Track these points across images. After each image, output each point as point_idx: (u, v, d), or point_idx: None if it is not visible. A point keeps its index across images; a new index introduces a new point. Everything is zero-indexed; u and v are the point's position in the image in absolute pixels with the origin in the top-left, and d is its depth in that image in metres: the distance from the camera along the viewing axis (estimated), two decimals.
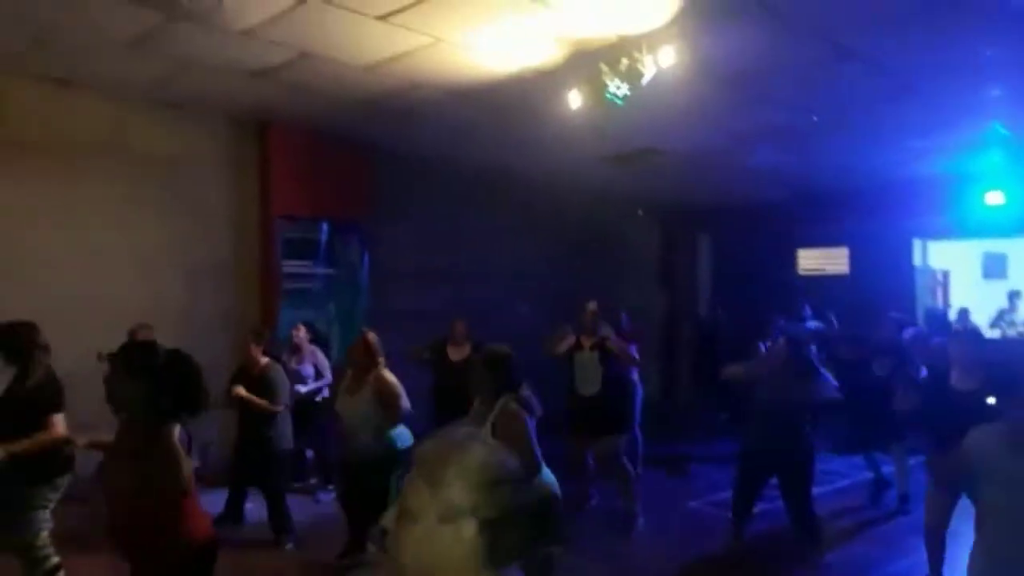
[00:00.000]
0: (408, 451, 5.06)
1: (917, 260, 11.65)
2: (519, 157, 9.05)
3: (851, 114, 7.19)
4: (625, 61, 5.36)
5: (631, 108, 6.58)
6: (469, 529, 1.36)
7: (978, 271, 12.93)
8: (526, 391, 3.94)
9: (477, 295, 9.64)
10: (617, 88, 5.41)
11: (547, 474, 3.85)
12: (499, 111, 7.07)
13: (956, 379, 4.73)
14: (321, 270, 8.31)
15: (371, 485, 4.98)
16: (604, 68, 5.47)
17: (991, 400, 4.33)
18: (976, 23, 5.07)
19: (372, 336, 5.39)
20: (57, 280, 6.79)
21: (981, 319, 11.50)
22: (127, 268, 7.21)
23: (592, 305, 6.67)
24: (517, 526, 1.40)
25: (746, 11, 4.93)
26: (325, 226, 8.33)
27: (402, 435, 5.24)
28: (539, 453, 3.80)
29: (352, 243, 8.54)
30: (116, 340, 6.31)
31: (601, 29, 5.29)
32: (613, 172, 9.81)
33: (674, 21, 5.06)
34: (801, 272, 12.64)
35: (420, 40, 5.56)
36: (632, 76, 5.35)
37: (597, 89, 5.56)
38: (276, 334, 7.52)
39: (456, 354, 7.01)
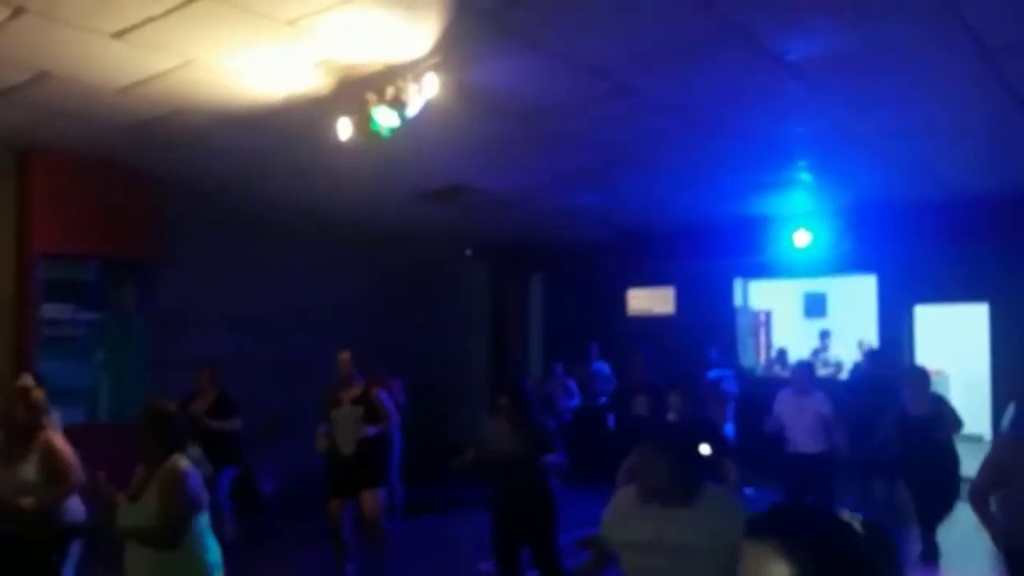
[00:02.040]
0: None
1: (739, 300, 12.08)
2: (324, 192, 8.79)
3: (645, 152, 7.35)
4: (391, 90, 5.23)
5: (426, 143, 6.60)
6: None
7: (800, 310, 13.60)
8: (194, 451, 3.81)
9: (282, 343, 9.28)
10: (384, 119, 5.26)
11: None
12: (279, 140, 6.82)
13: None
14: (88, 315, 7.69)
15: None
16: (371, 97, 5.33)
17: None
18: (757, 60, 5.18)
19: (38, 393, 4.85)
20: None
21: (800, 357, 12.05)
22: None
23: (345, 353, 6.37)
24: None
25: (508, 41, 4.92)
26: (95, 265, 7.73)
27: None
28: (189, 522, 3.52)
29: (128, 285, 7.97)
30: None
31: (364, 56, 5.16)
32: (433, 210, 9.69)
33: (436, 50, 4.98)
34: (630, 313, 12.88)
35: (168, 61, 5.27)
36: (399, 106, 5.22)
37: (365, 119, 5.39)
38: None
39: (201, 404, 6.99)
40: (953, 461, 6.91)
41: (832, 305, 13.38)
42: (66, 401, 7.30)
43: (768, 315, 13.07)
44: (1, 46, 5.04)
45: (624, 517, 3.12)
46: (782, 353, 12.12)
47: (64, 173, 7.52)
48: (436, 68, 5.09)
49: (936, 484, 6.89)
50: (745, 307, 12.20)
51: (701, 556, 2.81)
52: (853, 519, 1.33)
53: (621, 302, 12.95)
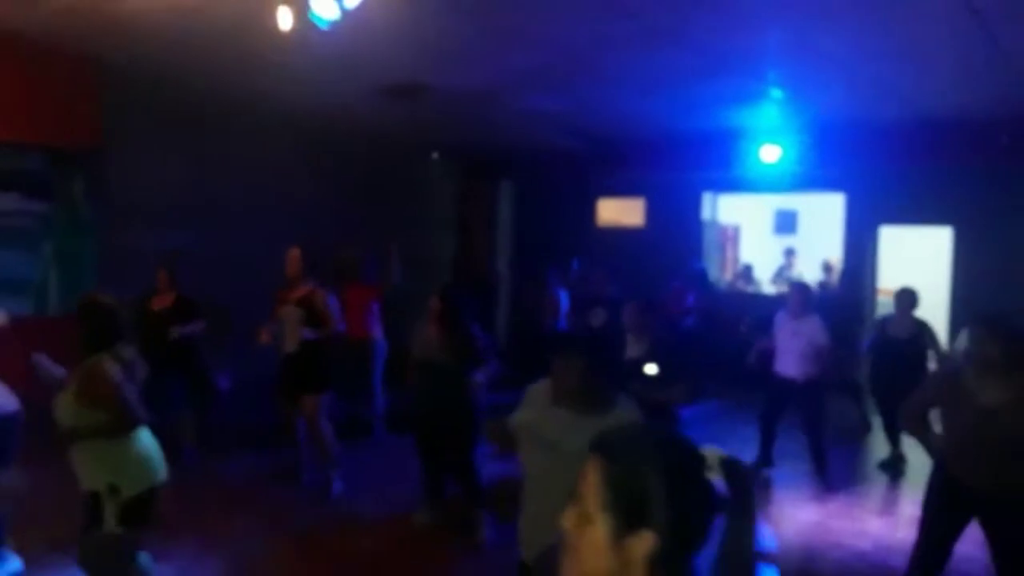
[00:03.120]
0: None
1: (708, 214, 12.00)
2: (280, 85, 8.53)
3: (600, 57, 7.14)
4: None
5: (379, 37, 6.40)
6: None
7: (770, 226, 13.55)
8: (127, 350, 3.67)
9: (237, 236, 9.14)
10: (322, 9, 5.05)
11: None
12: (222, 27, 6.54)
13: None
14: (34, 206, 7.54)
15: None
16: None
17: None
18: None
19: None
20: None
21: (766, 275, 12.09)
22: None
23: (295, 251, 6.28)
24: None
25: None
26: (40, 155, 7.54)
27: None
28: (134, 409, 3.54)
29: (75, 175, 7.80)
30: None
31: None
32: (397, 110, 9.47)
33: None
34: (600, 224, 12.80)
35: None
36: None
37: (303, 8, 5.17)
38: None
39: (159, 303, 6.79)
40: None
41: (803, 223, 13.32)
42: (13, 292, 7.27)
43: (736, 230, 13.01)
44: None
45: (533, 413, 3.15)
46: (748, 269, 12.13)
47: (1, 56, 7.23)
48: None
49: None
50: (713, 221, 12.13)
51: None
52: (712, 453, 1.38)
53: (591, 212, 12.85)
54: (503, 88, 8.50)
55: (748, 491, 1.37)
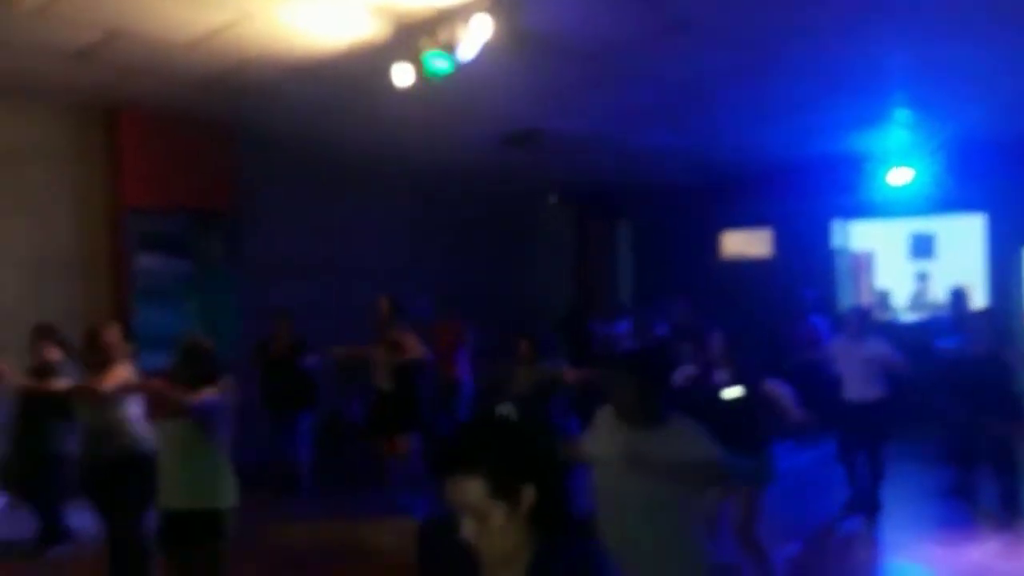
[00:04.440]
0: None
1: (840, 241, 11.51)
2: (398, 139, 8.78)
3: (711, 90, 7.02)
4: (444, 34, 5.11)
5: (492, 87, 6.50)
6: None
7: (906, 252, 12.83)
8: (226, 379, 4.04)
9: (363, 289, 9.37)
10: (438, 64, 5.15)
11: None
12: (345, 88, 6.81)
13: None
14: (179, 265, 7.98)
15: None
16: (425, 42, 5.21)
17: None
18: None
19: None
20: None
21: (904, 299, 11.46)
22: None
23: (384, 299, 6.81)
24: None
25: None
26: (183, 218, 7.99)
27: None
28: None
29: (214, 236, 8.21)
30: None
31: (417, 0, 5.04)
32: (511, 156, 9.58)
33: None
34: (724, 258, 12.47)
35: (225, 14, 5.30)
36: (452, 50, 5.09)
37: (420, 65, 5.30)
38: (133, 332, 7.25)
39: (277, 350, 7.50)
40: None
41: (941, 246, 12.54)
42: (161, 348, 7.65)
43: (870, 257, 12.38)
44: (69, 6, 5.17)
45: (599, 432, 3.29)
46: (884, 296, 11.51)
47: (148, 129, 7.75)
48: (488, 10, 4.93)
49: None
50: (845, 249, 11.61)
51: (652, 477, 2.95)
52: (509, 412, 1.80)
53: (714, 246, 12.54)
54: (619, 128, 8.47)
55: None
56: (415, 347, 6.61)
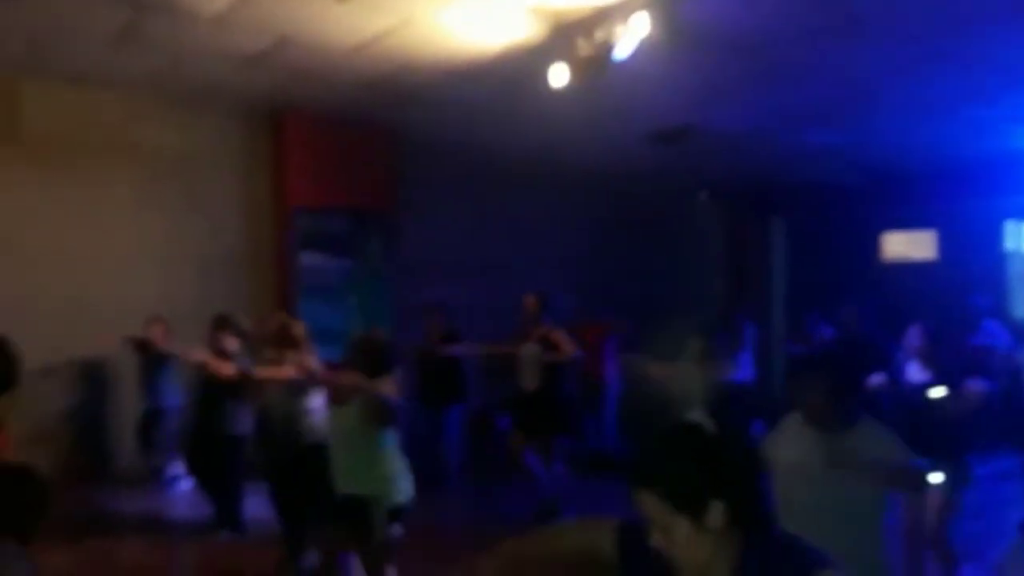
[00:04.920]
0: None
1: (1011, 244, 10.58)
2: (550, 139, 8.72)
3: (880, 85, 6.55)
4: (601, 33, 4.99)
5: (647, 84, 6.33)
6: None
7: None
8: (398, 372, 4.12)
9: (513, 287, 9.38)
10: (595, 62, 5.03)
11: None
12: (500, 90, 6.81)
13: None
14: (340, 263, 8.25)
15: None
16: (582, 42, 5.11)
17: None
18: None
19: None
20: (71, 278, 7.04)
21: None
22: (139, 264, 7.40)
23: (530, 297, 6.66)
24: None
25: None
26: (344, 217, 8.25)
27: None
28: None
29: (373, 234, 8.44)
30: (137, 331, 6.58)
31: (573, 0, 4.95)
32: (662, 153, 9.35)
33: None
34: (885, 260, 11.73)
35: (388, 19, 5.40)
36: (609, 49, 4.97)
37: (577, 63, 5.20)
38: None
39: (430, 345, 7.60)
40: None
41: None
42: (325, 341, 7.93)
43: None
44: (246, 15, 5.40)
45: (784, 437, 3.12)
46: None
47: (312, 131, 8.02)
48: (647, 7, 4.77)
49: None
50: (1018, 252, 10.66)
51: (847, 478, 2.77)
52: (702, 417, 1.71)
53: (874, 247, 11.81)
54: (777, 125, 8.07)
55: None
56: (565, 344, 6.50)
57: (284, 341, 5.02)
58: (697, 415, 1.55)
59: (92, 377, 7.34)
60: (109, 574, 5.26)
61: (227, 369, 5.66)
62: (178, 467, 7.00)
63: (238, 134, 7.96)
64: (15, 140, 6.90)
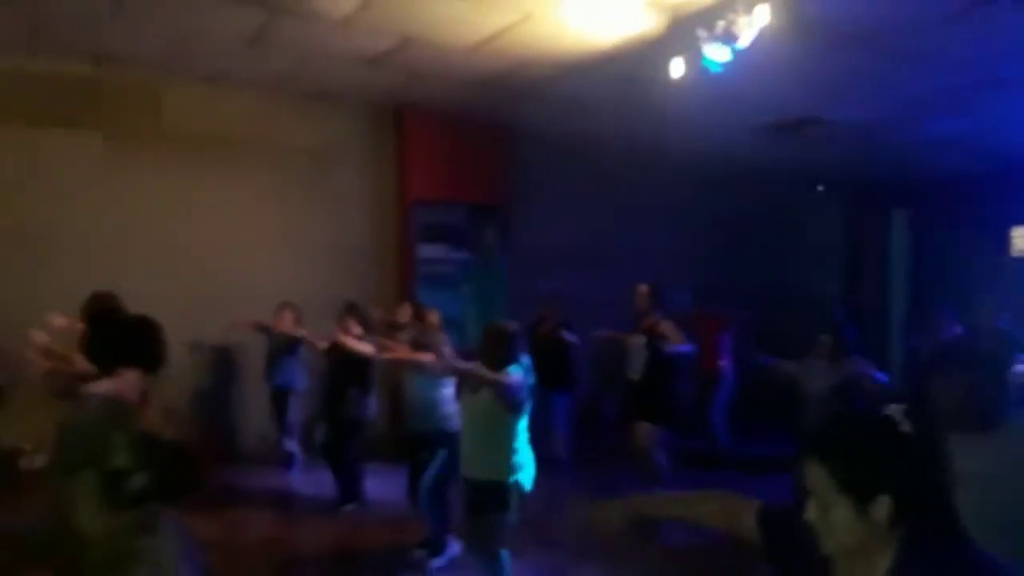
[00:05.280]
0: None
1: None
2: (663, 132, 8.61)
3: (1009, 71, 6.15)
4: (722, 24, 4.88)
5: (766, 75, 6.17)
6: None
7: None
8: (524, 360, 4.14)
9: (624, 278, 9.32)
10: (715, 54, 4.93)
11: None
12: (616, 84, 6.76)
13: None
14: (457, 254, 8.41)
15: None
16: (702, 33, 5.02)
17: None
18: None
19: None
20: (207, 267, 7.42)
21: None
22: (271, 254, 7.72)
23: (642, 287, 6.55)
24: None
25: None
26: (461, 210, 8.39)
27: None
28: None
29: (488, 226, 8.56)
30: (263, 318, 6.89)
31: None
32: (779, 145, 9.09)
33: None
34: (1016, 253, 11.02)
35: (509, 16, 5.45)
36: (730, 40, 4.86)
37: (695, 55, 5.11)
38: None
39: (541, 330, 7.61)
40: None
41: None
42: (443, 328, 8.11)
43: None
44: (372, 17, 5.55)
45: None
46: None
47: (431, 128, 8.19)
48: None
49: None
50: None
51: (995, 486, 2.42)
52: (895, 408, 1.52)
53: (1003, 241, 11.12)
54: (899, 114, 7.72)
55: (932, 426, 1.57)
56: (675, 336, 6.38)
57: (421, 328, 5.23)
58: (895, 410, 1.47)
59: (223, 360, 7.71)
60: (245, 544, 5.53)
61: (364, 347, 5.89)
62: (296, 447, 7.33)
63: (362, 130, 8.21)
64: (157, 137, 7.31)
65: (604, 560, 5.30)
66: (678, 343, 6.35)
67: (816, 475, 1.54)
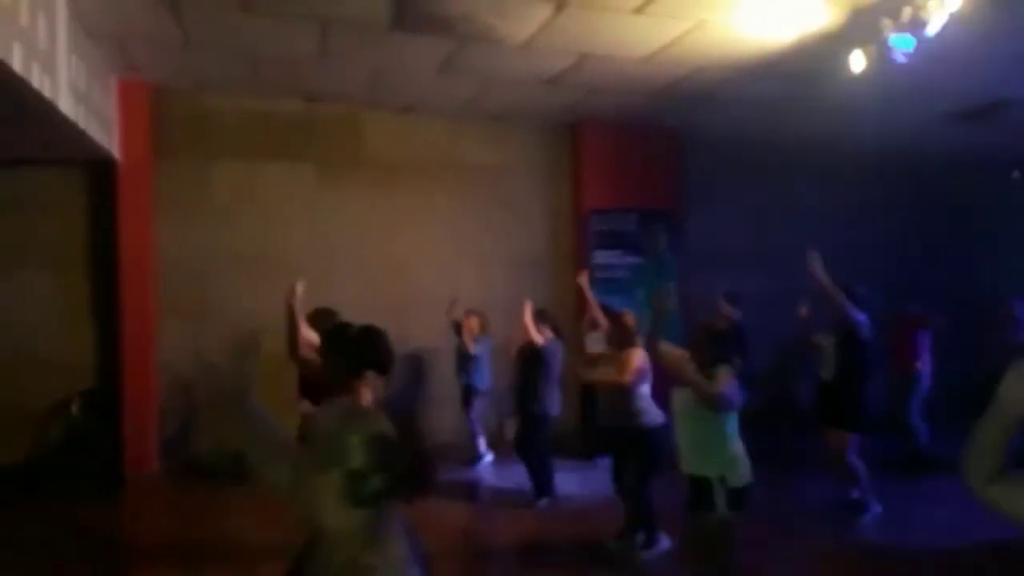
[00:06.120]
0: None
1: None
2: (838, 127, 8.26)
3: None
4: (908, 11, 4.67)
5: (951, 61, 5.83)
6: None
7: None
8: (736, 361, 4.09)
9: (801, 278, 9.00)
10: (901, 43, 4.73)
11: None
12: (793, 82, 6.57)
13: None
14: (630, 259, 8.45)
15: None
16: (886, 23, 4.82)
17: None
18: None
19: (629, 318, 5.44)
20: (401, 278, 7.92)
21: None
22: (459, 265, 8.13)
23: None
24: None
25: None
26: (634, 217, 8.44)
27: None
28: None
29: (660, 231, 8.54)
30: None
31: None
32: (968, 132, 8.49)
33: None
34: None
35: (682, 25, 5.44)
36: (919, 27, 4.64)
37: (879, 46, 4.91)
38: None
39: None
40: None
41: None
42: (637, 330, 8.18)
43: None
44: (552, 39, 5.73)
45: None
46: None
47: (605, 139, 8.33)
48: None
49: None
50: None
51: None
52: None
53: None
54: None
55: None
56: (856, 331, 5.94)
57: (617, 330, 5.37)
58: None
59: (418, 364, 8.12)
60: (440, 536, 5.77)
61: (539, 338, 6.16)
62: (484, 444, 7.61)
63: (540, 146, 8.49)
64: (359, 163, 7.89)
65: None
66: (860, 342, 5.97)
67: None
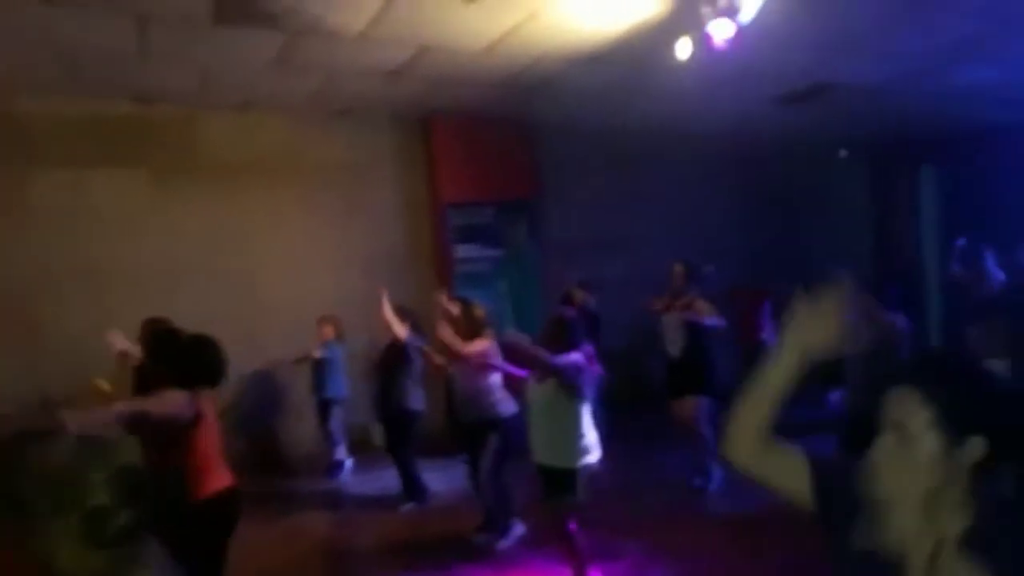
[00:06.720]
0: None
1: None
2: (678, 113, 8.44)
3: None
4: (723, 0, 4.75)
5: (775, 45, 5.98)
6: None
7: None
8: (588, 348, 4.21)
9: (657, 260, 9.20)
10: (720, 30, 4.81)
11: None
12: (627, 70, 6.64)
13: None
14: (490, 252, 8.38)
15: None
16: (706, 11, 4.90)
17: None
18: None
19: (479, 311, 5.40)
20: (252, 285, 7.51)
21: None
22: (312, 268, 7.78)
23: (679, 266, 6.42)
24: None
25: None
26: (491, 209, 8.36)
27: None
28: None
29: (518, 222, 8.51)
30: (310, 333, 6.88)
31: None
32: (796, 113, 8.85)
33: None
34: None
35: (515, 16, 5.37)
36: (734, 13, 4.73)
37: (701, 34, 4.99)
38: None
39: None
40: None
41: None
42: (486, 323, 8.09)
43: None
44: (386, 30, 5.52)
45: None
46: None
47: (457, 133, 8.17)
48: None
49: None
50: None
51: None
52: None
53: None
54: (919, 68, 7.39)
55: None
56: (706, 311, 6.26)
57: (467, 322, 5.31)
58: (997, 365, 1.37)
59: (272, 376, 7.73)
60: (304, 547, 5.55)
61: (401, 331, 6.02)
62: (343, 453, 7.34)
63: (393, 140, 8.24)
64: (197, 167, 7.42)
65: (652, 534, 5.25)
66: (708, 319, 6.25)
67: (908, 405, 1.39)
